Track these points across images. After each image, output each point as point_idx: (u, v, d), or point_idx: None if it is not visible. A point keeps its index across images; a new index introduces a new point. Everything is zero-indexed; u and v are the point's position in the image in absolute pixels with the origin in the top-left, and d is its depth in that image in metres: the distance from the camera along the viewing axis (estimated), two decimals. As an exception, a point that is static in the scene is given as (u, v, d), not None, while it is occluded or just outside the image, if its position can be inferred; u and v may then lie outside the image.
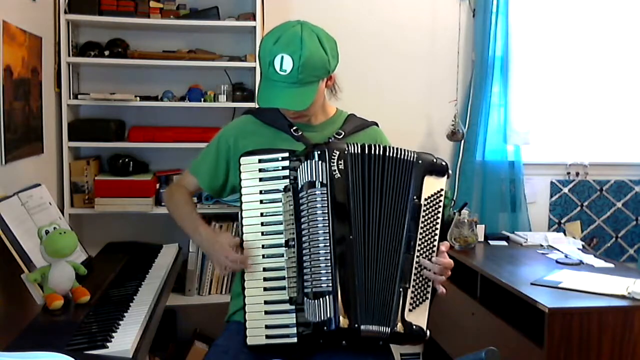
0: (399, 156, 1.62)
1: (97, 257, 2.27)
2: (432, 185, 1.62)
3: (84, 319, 1.60)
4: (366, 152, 1.60)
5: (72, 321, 1.59)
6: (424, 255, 1.59)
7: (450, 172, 1.67)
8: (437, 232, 1.62)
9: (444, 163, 1.66)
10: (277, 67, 1.60)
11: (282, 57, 1.59)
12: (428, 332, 1.57)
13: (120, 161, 2.81)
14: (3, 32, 1.97)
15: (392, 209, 1.59)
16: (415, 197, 1.60)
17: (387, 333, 1.53)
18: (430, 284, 1.60)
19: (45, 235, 1.71)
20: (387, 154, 1.61)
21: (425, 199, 1.61)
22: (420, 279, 1.58)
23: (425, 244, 1.60)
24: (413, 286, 1.57)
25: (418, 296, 1.57)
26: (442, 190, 1.64)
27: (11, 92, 2.07)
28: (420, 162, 1.63)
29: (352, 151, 1.60)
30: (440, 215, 1.62)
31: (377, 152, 1.61)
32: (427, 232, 1.60)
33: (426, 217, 1.60)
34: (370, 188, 1.59)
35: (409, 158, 1.62)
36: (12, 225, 1.71)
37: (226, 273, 1.69)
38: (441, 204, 1.63)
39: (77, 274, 1.77)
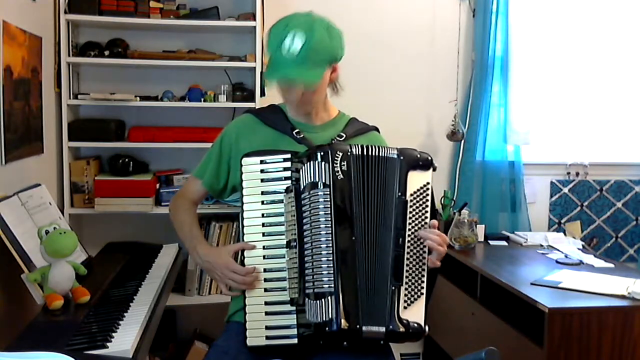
0: (383, 154, 1.62)
1: (97, 257, 2.27)
2: (417, 179, 1.62)
3: (84, 319, 1.60)
4: (367, 153, 1.60)
5: (72, 321, 1.59)
6: (414, 252, 1.59)
7: (435, 164, 1.66)
8: (427, 226, 1.61)
9: (428, 157, 1.65)
10: (287, 47, 1.60)
11: (293, 37, 1.60)
12: (427, 328, 1.56)
13: (120, 161, 2.81)
14: (3, 32, 1.97)
15: (385, 208, 1.59)
16: (400, 194, 1.60)
17: (383, 332, 1.53)
18: (424, 279, 1.59)
19: (45, 235, 1.71)
20: (379, 154, 1.61)
21: (411, 194, 1.61)
22: (414, 275, 1.58)
23: (416, 239, 1.60)
24: (406, 283, 1.57)
25: (412, 292, 1.57)
26: (428, 183, 1.63)
27: (11, 92, 2.07)
28: (402, 158, 1.62)
29: (355, 152, 1.60)
30: (428, 209, 1.62)
31: (375, 153, 1.61)
32: (416, 227, 1.60)
33: (414, 213, 1.60)
34: (370, 189, 1.59)
35: (392, 155, 1.62)
36: (12, 225, 1.71)
37: (226, 290, 1.66)
38: (428, 197, 1.63)
39: (77, 274, 1.77)
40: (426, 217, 1.62)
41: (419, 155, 1.65)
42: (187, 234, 1.79)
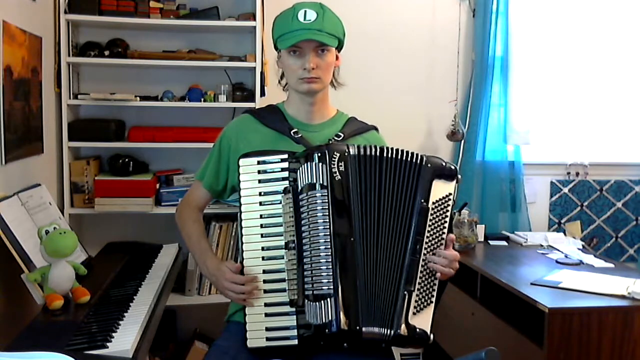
0: (404, 158, 1.61)
1: (97, 257, 2.27)
2: (441, 189, 1.61)
3: (84, 319, 1.60)
4: (367, 153, 1.59)
5: (72, 321, 1.59)
6: (429, 260, 1.59)
7: (460, 176, 1.64)
8: (445, 236, 1.60)
9: (453, 167, 1.64)
10: (302, 17, 1.67)
11: (306, 11, 1.67)
12: (432, 336, 1.56)
13: (120, 161, 2.81)
14: (3, 32, 1.97)
15: (396, 211, 1.58)
16: (423, 200, 1.59)
17: (390, 336, 1.52)
18: (436, 287, 1.59)
19: (45, 235, 1.71)
20: (388, 155, 1.60)
21: (434, 203, 1.60)
22: (426, 282, 1.58)
23: (432, 247, 1.59)
24: (418, 289, 1.56)
25: (423, 299, 1.56)
26: (450, 194, 1.62)
27: (11, 92, 2.07)
28: (429, 165, 1.61)
29: (353, 153, 1.59)
30: (448, 219, 1.61)
31: (377, 154, 1.60)
32: (434, 236, 1.59)
33: (434, 221, 1.59)
34: (372, 190, 1.58)
35: (417, 161, 1.61)
36: (12, 225, 1.71)
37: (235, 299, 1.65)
38: (449, 207, 1.61)
39: (77, 274, 1.77)
40: (445, 227, 1.61)
41: (444, 165, 1.63)
42: (196, 248, 1.79)
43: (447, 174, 1.63)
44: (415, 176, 1.60)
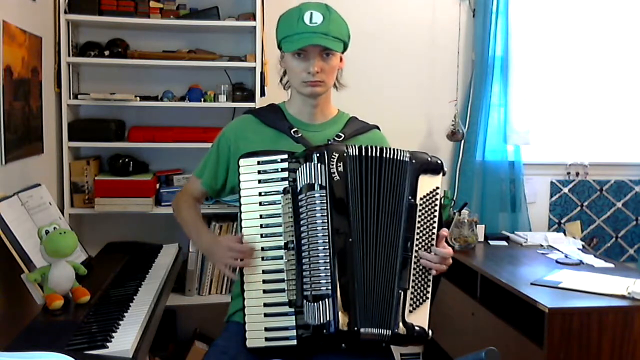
0: (393, 157, 1.61)
1: (97, 257, 2.27)
2: (428, 184, 1.62)
3: (84, 319, 1.60)
4: (365, 154, 1.59)
5: (72, 321, 1.59)
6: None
7: (445, 169, 1.66)
8: (435, 230, 1.61)
9: (438, 161, 1.65)
10: (309, 19, 1.65)
11: (312, 13, 1.66)
12: (430, 332, 1.56)
13: (120, 161, 2.81)
14: (3, 32, 1.97)
15: (390, 210, 1.59)
16: (410, 197, 1.59)
17: (388, 335, 1.52)
18: (430, 284, 1.59)
19: (45, 235, 1.71)
20: (384, 155, 1.60)
21: (421, 198, 1.60)
22: (420, 279, 1.58)
23: (423, 243, 1.59)
24: (413, 287, 1.56)
25: (418, 296, 1.56)
26: (437, 188, 1.63)
27: (11, 92, 2.07)
28: (414, 161, 1.62)
29: (351, 153, 1.59)
30: (437, 213, 1.62)
31: (374, 154, 1.60)
32: (424, 232, 1.59)
33: (423, 217, 1.60)
34: (369, 190, 1.58)
35: (402, 158, 1.62)
36: (12, 225, 1.71)
37: (229, 271, 1.64)
38: (437, 202, 1.62)
39: (77, 274, 1.77)
40: (434, 221, 1.61)
41: (430, 159, 1.64)
42: (192, 228, 1.82)
43: (433, 169, 1.63)
44: (402, 173, 1.61)
